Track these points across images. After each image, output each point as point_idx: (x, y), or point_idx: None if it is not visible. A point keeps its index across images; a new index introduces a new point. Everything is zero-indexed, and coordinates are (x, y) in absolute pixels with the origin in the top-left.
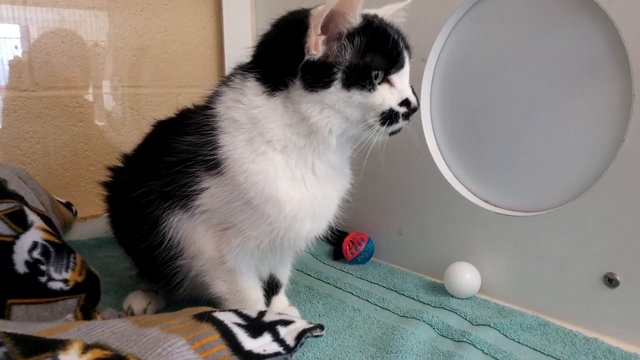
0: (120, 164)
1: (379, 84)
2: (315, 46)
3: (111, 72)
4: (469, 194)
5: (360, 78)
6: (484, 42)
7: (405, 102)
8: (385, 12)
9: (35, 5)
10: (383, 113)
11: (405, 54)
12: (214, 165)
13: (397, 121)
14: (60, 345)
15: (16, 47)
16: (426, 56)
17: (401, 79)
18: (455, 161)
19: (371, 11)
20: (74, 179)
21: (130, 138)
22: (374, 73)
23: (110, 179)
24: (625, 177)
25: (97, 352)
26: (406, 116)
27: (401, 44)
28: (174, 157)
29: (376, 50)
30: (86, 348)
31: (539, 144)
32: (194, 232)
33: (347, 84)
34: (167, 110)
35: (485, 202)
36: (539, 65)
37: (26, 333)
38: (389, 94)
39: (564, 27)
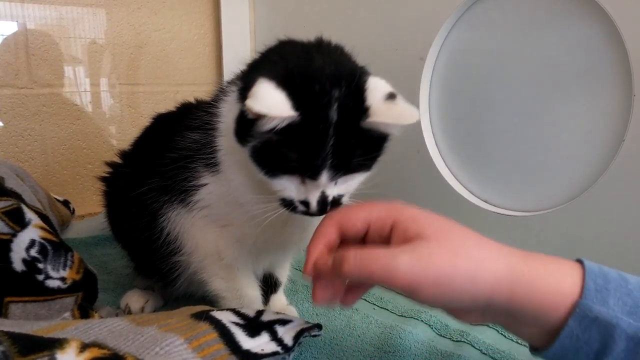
0: (118, 160)
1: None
2: (249, 109)
3: (109, 69)
4: (467, 193)
5: (263, 161)
6: (484, 40)
7: (305, 203)
8: (385, 112)
9: (33, 2)
10: (283, 199)
11: (325, 173)
12: (213, 164)
13: (296, 212)
14: (57, 344)
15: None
16: (425, 54)
17: (313, 186)
18: (454, 160)
19: (377, 92)
20: (72, 176)
21: (128, 136)
22: (280, 167)
23: (108, 174)
24: (626, 176)
25: (95, 351)
26: (305, 213)
27: (324, 162)
28: (175, 154)
29: (293, 151)
30: (84, 347)
31: (538, 143)
32: (192, 227)
33: (252, 157)
34: (164, 109)
35: (485, 202)
36: (539, 64)
37: (23, 332)
38: (293, 188)
39: (564, 26)
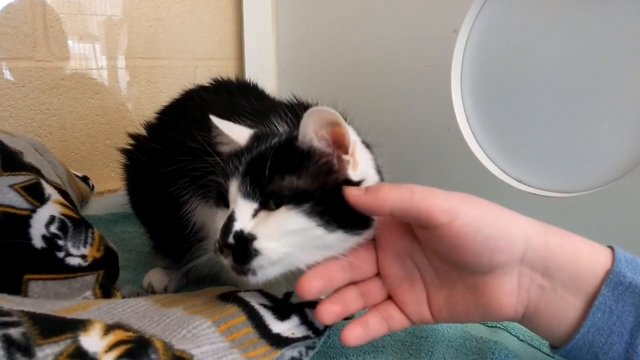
0: (142, 132)
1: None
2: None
3: (127, 43)
4: (501, 173)
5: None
6: (522, 13)
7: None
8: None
9: None
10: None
11: (236, 180)
12: None
13: (217, 256)
14: (80, 325)
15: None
16: (458, 27)
17: (227, 211)
18: (487, 138)
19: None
20: (91, 152)
21: (147, 111)
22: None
23: (131, 146)
24: None
25: (120, 334)
26: (220, 252)
27: (237, 168)
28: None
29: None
30: (108, 329)
31: (578, 121)
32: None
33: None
34: (184, 83)
35: (519, 181)
36: (584, 39)
37: (44, 312)
38: (220, 217)
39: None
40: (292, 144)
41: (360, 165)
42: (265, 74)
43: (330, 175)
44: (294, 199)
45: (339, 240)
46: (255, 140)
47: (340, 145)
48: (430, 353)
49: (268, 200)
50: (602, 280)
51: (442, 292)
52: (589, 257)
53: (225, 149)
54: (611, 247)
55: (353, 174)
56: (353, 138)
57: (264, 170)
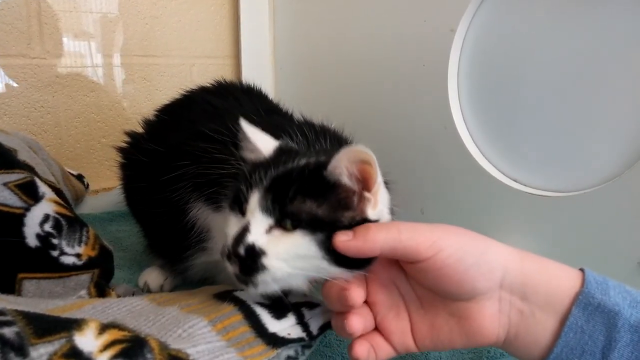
0: (139, 130)
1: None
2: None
3: (123, 41)
4: (496, 172)
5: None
6: (519, 12)
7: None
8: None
9: None
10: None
11: (257, 194)
12: None
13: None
14: (75, 325)
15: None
16: (455, 26)
17: (244, 219)
18: (483, 137)
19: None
20: (86, 150)
21: (142, 110)
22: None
23: (128, 144)
24: None
25: (115, 333)
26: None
27: (262, 180)
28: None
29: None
30: (103, 328)
31: (574, 119)
32: (213, 222)
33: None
34: (180, 81)
35: (515, 181)
36: (581, 38)
37: (39, 311)
38: (232, 223)
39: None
40: (320, 171)
41: (379, 205)
42: (262, 72)
43: (347, 211)
44: (311, 226)
45: (337, 272)
46: (281, 154)
47: (365, 182)
48: (426, 351)
49: (284, 219)
50: (572, 301)
51: (426, 321)
52: (561, 280)
53: (247, 155)
54: (582, 270)
55: (372, 213)
56: (379, 180)
57: (288, 190)
